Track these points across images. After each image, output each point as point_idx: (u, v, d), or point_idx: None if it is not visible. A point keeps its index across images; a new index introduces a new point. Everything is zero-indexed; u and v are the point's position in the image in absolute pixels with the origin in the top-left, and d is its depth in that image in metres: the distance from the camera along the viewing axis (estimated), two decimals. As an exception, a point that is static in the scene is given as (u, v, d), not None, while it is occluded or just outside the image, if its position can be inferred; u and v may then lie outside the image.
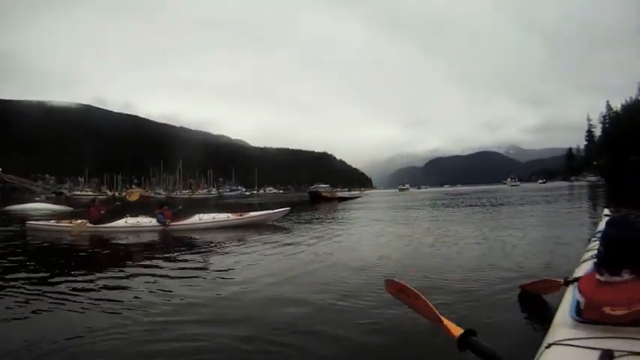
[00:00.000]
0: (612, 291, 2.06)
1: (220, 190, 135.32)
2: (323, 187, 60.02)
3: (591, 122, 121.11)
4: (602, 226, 4.62)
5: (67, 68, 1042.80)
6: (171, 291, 5.50)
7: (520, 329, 3.65)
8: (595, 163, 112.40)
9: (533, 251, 7.63)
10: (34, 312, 4.61)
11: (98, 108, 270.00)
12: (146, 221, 13.82)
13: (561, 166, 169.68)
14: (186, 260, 8.15)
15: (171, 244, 10.98)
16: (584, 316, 2.18)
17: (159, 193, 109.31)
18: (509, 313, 4.09)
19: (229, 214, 14.70)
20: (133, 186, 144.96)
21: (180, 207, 15.61)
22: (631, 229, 2.13)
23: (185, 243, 10.99)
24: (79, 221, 13.86)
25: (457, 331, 2.25)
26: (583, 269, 3.30)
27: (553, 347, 2.07)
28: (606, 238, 2.22)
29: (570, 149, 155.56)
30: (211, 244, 10.36)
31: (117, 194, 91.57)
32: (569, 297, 2.63)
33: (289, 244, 9.78)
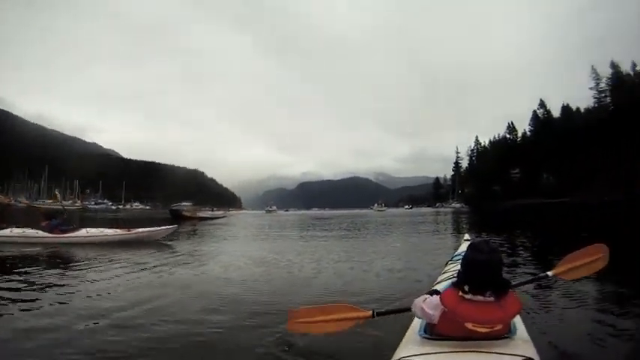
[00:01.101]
0: (476, 309, 2.28)
1: (85, 203, 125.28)
2: (185, 206, 62.61)
3: (459, 155, 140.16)
4: (462, 249, 5.42)
5: None
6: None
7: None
8: (460, 191, 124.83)
9: (373, 287, 6.70)
10: None
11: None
12: (32, 232, 13.87)
13: (429, 194, 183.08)
14: (60, 278, 7.85)
15: (53, 259, 10.86)
16: (438, 329, 2.48)
17: (20, 201, 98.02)
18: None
19: (117, 229, 15.20)
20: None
21: (73, 225, 15.19)
22: (492, 253, 2.36)
23: (65, 258, 10.93)
24: None
25: (367, 312, 3.13)
26: (439, 288, 3.28)
27: None
28: (469, 261, 2.41)
29: (437, 178, 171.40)
30: (93, 260, 10.11)
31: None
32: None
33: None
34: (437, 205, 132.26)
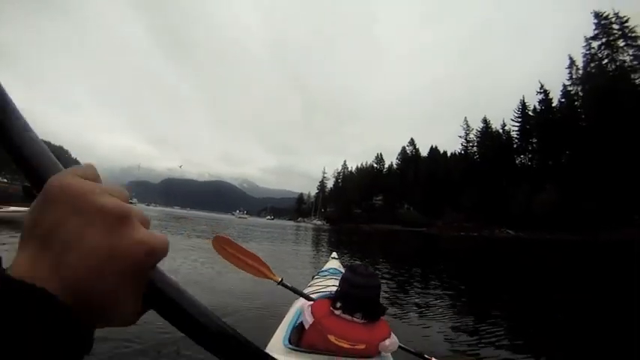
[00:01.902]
0: (343, 326, 2.37)
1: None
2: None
3: (325, 175, 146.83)
4: (329, 265, 5.92)
5: None
6: None
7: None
8: (323, 209, 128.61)
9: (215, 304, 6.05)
10: None
11: None
12: None
13: (291, 207, 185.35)
14: None
15: None
16: (304, 338, 2.50)
17: None
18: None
19: None
20: None
21: None
22: (369, 278, 2.47)
23: None
24: None
25: (277, 277, 3.41)
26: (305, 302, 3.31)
27: None
28: (347, 282, 2.49)
29: (302, 194, 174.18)
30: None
31: None
32: (285, 326, 2.96)
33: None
34: (299, 219, 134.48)
